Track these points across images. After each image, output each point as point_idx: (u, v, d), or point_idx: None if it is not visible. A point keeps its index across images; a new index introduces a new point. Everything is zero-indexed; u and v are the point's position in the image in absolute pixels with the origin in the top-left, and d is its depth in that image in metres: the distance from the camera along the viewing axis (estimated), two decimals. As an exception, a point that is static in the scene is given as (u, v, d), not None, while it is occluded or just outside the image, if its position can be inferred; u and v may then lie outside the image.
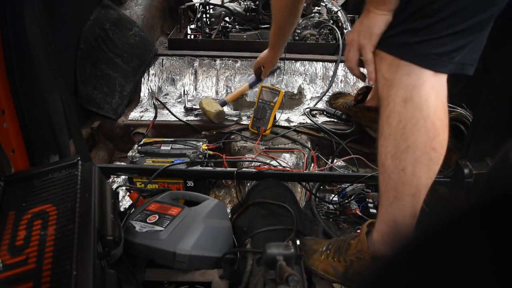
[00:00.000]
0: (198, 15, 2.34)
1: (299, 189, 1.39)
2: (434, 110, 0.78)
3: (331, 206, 1.42)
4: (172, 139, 1.50)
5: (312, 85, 1.92)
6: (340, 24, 2.25)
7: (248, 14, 2.26)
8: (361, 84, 1.91)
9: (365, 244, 0.91)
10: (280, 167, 1.38)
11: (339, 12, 2.31)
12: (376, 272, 0.29)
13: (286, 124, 1.68)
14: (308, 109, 1.77)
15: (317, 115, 1.76)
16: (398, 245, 0.27)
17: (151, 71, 1.93)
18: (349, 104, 1.64)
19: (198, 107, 1.75)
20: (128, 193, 1.42)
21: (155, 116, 1.72)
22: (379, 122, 0.84)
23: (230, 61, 1.96)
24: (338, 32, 2.07)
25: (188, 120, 1.69)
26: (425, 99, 0.77)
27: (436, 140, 0.79)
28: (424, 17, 0.74)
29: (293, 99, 1.88)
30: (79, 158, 0.90)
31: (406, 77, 0.77)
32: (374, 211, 1.38)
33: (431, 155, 0.79)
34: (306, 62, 1.96)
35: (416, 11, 0.74)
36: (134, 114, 1.75)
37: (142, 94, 1.88)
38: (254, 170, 1.29)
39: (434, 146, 0.79)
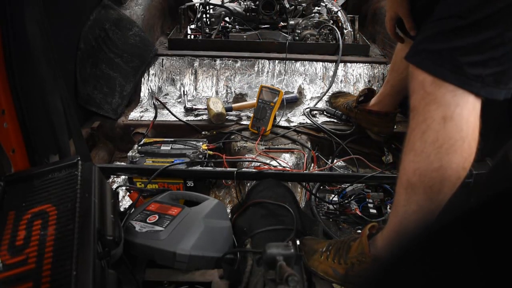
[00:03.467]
0: (198, 15, 2.34)
1: (299, 189, 1.39)
2: (472, 131, 0.76)
3: (331, 206, 1.42)
4: (172, 139, 1.50)
5: (312, 85, 1.92)
6: (340, 24, 2.25)
7: (248, 14, 2.26)
8: (361, 85, 1.91)
9: (366, 247, 0.91)
10: (280, 167, 1.38)
11: (339, 12, 2.31)
12: (376, 272, 0.29)
13: (286, 124, 1.68)
14: (308, 109, 1.77)
15: (317, 115, 1.76)
16: (399, 246, 0.27)
17: (151, 71, 1.93)
18: (350, 104, 1.64)
19: (198, 107, 1.76)
20: (128, 193, 1.42)
21: (155, 116, 1.72)
22: (409, 135, 0.81)
23: (230, 61, 1.96)
24: (338, 32, 2.07)
25: (188, 120, 1.69)
26: (466, 120, 0.75)
27: (468, 160, 0.77)
28: (498, 46, 0.71)
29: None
30: (79, 158, 0.90)
31: (450, 94, 0.74)
32: (374, 211, 1.38)
33: (461, 174, 0.77)
34: (306, 62, 1.96)
35: (487, 41, 0.71)
36: (134, 114, 1.75)
37: (142, 94, 1.88)
38: (254, 170, 1.29)
39: (466, 166, 0.77)
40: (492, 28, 0.71)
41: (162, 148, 1.45)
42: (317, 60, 1.97)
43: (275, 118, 1.62)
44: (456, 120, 0.74)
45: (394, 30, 1.15)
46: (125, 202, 1.43)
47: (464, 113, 0.75)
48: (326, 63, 1.96)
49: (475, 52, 0.73)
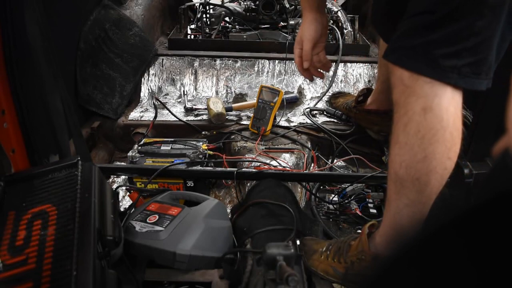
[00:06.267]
0: (198, 15, 2.34)
1: (299, 189, 1.39)
2: (453, 120, 0.77)
3: (331, 206, 1.42)
4: (172, 139, 1.50)
5: (312, 85, 1.92)
6: (340, 24, 2.25)
7: (248, 14, 2.26)
8: (361, 85, 1.91)
9: (366, 245, 0.91)
10: (280, 167, 1.38)
11: (339, 12, 2.31)
12: (377, 272, 0.29)
13: (286, 124, 1.68)
14: (308, 109, 1.77)
15: (317, 115, 1.76)
16: (400, 245, 0.27)
17: (151, 71, 1.93)
18: (349, 104, 1.64)
19: (198, 107, 1.76)
20: (128, 193, 1.42)
21: (155, 116, 1.72)
22: (393, 129, 0.82)
23: (230, 61, 1.96)
24: (338, 32, 2.07)
25: (188, 120, 1.69)
26: (445, 110, 0.76)
27: (452, 150, 0.78)
28: (469, 36, 0.72)
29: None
30: (79, 158, 0.90)
31: (428, 85, 0.75)
32: (374, 211, 1.38)
33: (447, 165, 0.78)
34: (306, 62, 1.96)
35: (460, 31, 0.72)
36: (134, 114, 1.75)
37: (142, 94, 1.88)
38: (254, 170, 1.29)
39: (450, 156, 0.78)
40: (461, 20, 0.72)
41: (162, 148, 1.45)
42: (317, 60, 1.96)
43: (275, 118, 1.62)
44: (435, 110, 0.75)
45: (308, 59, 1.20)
46: (125, 202, 1.43)
47: (443, 103, 0.75)
48: (326, 63, 1.96)
49: (447, 44, 0.74)
